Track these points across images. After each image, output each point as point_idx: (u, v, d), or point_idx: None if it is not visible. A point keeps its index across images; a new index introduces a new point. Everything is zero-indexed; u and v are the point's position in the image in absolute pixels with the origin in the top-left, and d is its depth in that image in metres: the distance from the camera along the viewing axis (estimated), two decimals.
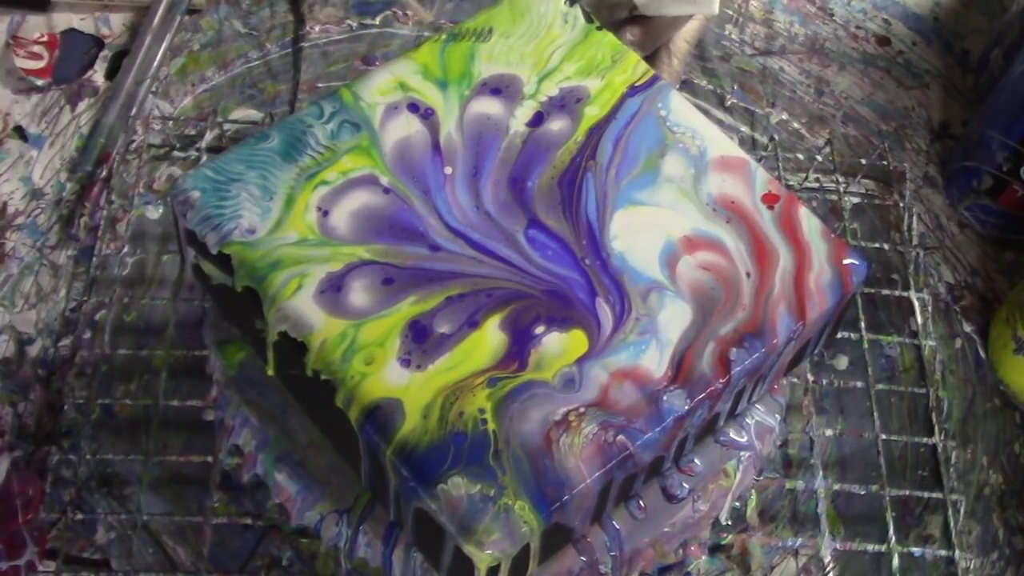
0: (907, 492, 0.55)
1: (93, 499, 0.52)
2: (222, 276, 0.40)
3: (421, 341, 0.38)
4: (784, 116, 0.68)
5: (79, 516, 0.51)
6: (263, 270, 0.39)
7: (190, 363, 0.55)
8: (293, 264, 0.39)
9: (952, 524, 0.54)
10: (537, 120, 0.44)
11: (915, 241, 0.62)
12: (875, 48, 0.71)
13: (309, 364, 0.38)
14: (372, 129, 0.43)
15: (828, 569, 0.53)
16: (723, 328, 0.39)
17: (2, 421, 0.53)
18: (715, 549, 0.53)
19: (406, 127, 0.43)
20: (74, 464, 0.52)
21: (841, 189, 0.63)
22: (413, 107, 0.43)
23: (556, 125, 0.44)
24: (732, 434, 0.46)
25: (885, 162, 0.64)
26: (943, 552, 0.53)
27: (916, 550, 0.53)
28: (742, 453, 0.46)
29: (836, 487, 0.54)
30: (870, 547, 0.53)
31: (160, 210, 0.61)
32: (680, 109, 0.45)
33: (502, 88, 0.44)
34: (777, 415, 0.47)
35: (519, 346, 0.38)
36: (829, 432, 0.56)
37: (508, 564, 0.36)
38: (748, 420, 0.46)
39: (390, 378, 0.37)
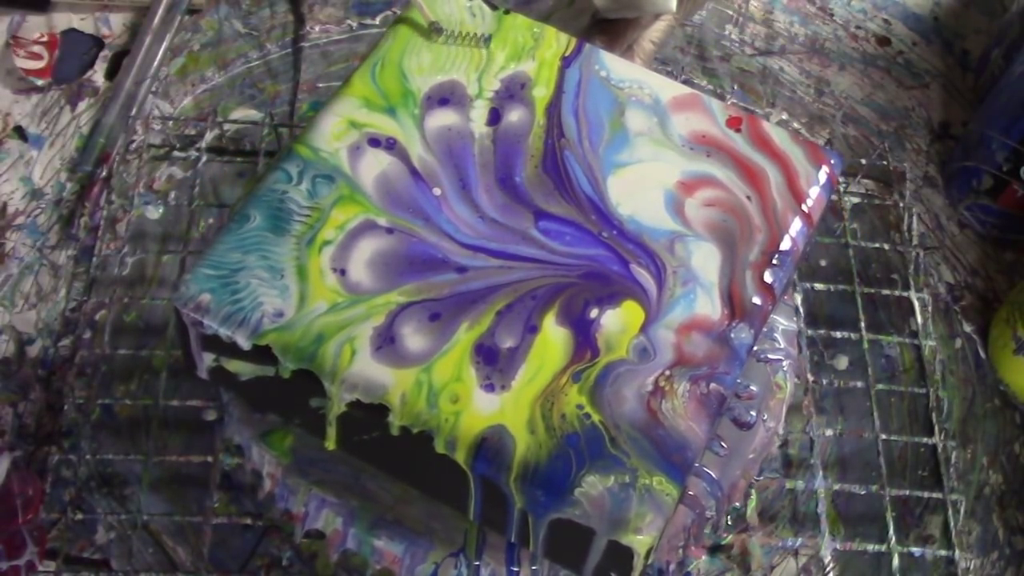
0: (907, 492, 0.55)
1: (93, 499, 0.52)
2: (258, 369, 0.39)
3: (493, 362, 0.38)
4: (784, 116, 0.68)
5: (79, 516, 0.51)
6: (310, 348, 0.37)
7: None
8: (337, 332, 0.38)
9: (952, 524, 0.54)
10: (495, 117, 0.44)
11: (915, 241, 0.62)
12: (875, 48, 0.71)
13: (395, 422, 0.37)
14: (346, 175, 0.41)
15: (828, 569, 0.53)
16: (751, 254, 0.41)
17: (2, 421, 0.53)
18: (715, 549, 0.53)
19: (377, 163, 0.42)
20: (74, 464, 0.52)
21: (841, 189, 0.63)
22: (374, 142, 0.42)
23: (514, 116, 0.44)
24: (768, 349, 0.47)
25: (885, 162, 0.64)
26: (943, 552, 0.53)
27: (916, 550, 0.53)
28: (784, 362, 0.47)
29: (836, 487, 0.54)
30: (870, 547, 0.53)
31: (160, 210, 0.61)
32: (616, 66, 0.46)
33: (448, 97, 0.44)
34: (794, 318, 0.49)
35: (583, 335, 0.39)
36: (829, 432, 0.56)
37: (658, 541, 0.36)
38: (776, 332, 0.48)
39: (482, 408, 0.37)
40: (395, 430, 0.37)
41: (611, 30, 0.56)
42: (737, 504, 0.51)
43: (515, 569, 0.43)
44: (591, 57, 0.46)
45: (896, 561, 0.52)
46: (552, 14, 0.59)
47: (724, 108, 0.45)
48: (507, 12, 0.46)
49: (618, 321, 0.39)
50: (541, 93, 0.44)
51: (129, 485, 0.53)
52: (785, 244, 0.42)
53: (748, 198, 0.43)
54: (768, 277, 0.41)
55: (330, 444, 0.39)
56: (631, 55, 0.57)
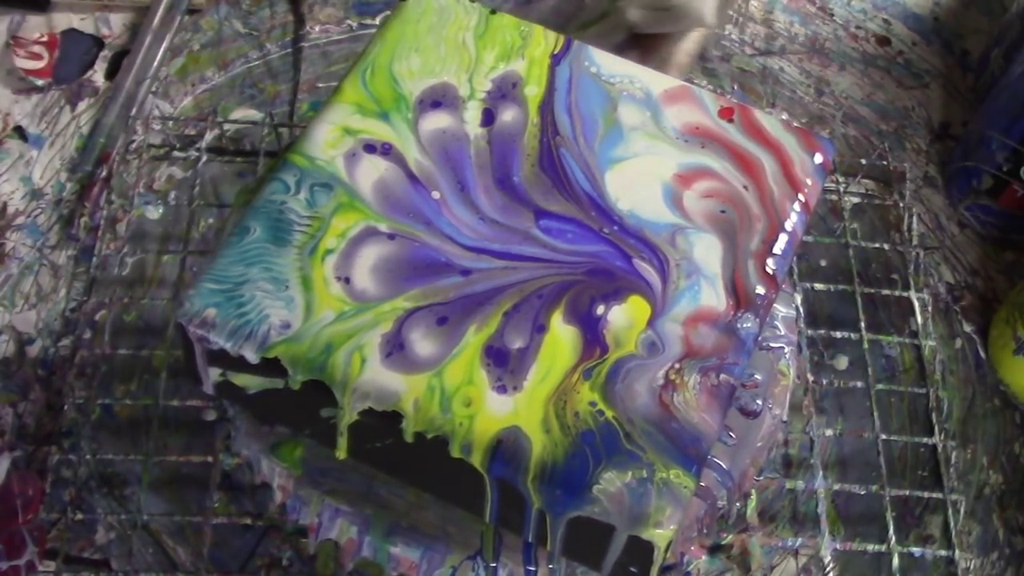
0: (907, 492, 0.55)
1: (93, 499, 0.52)
2: (267, 382, 0.38)
3: (504, 364, 0.38)
4: (784, 116, 0.68)
5: (79, 516, 0.51)
6: (319, 358, 0.37)
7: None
8: (345, 340, 0.38)
9: (952, 524, 0.54)
10: (488, 118, 0.44)
11: (915, 241, 0.62)
12: (875, 48, 0.71)
13: (409, 429, 0.37)
14: (343, 183, 0.41)
15: (828, 569, 0.53)
16: (752, 244, 0.41)
17: (2, 421, 0.53)
18: (715, 549, 0.53)
19: (374, 170, 0.42)
20: (74, 464, 0.52)
21: (841, 189, 0.63)
22: (370, 148, 0.42)
23: (508, 116, 0.44)
24: (770, 337, 0.48)
25: (885, 162, 0.64)
26: (943, 552, 0.53)
27: (916, 550, 0.53)
28: (785, 349, 0.48)
29: (836, 487, 0.54)
30: (870, 547, 0.53)
31: (160, 210, 0.61)
32: (606, 62, 0.46)
33: (440, 100, 0.44)
34: (792, 305, 0.49)
35: (591, 332, 0.39)
36: (829, 432, 0.56)
37: (677, 534, 0.36)
38: (776, 320, 0.48)
39: (495, 410, 0.37)
40: (409, 436, 0.37)
41: (647, 45, 0.56)
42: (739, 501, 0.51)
43: (532, 568, 0.43)
44: (580, 54, 0.46)
45: (896, 561, 0.52)
46: (587, 28, 0.58)
47: (716, 99, 0.45)
48: (493, 12, 0.46)
49: (625, 316, 0.39)
50: (533, 92, 0.44)
51: (129, 485, 0.53)
52: (784, 232, 0.42)
53: (745, 187, 0.43)
54: (770, 265, 0.41)
55: (341, 454, 0.39)
56: (666, 68, 0.57)
